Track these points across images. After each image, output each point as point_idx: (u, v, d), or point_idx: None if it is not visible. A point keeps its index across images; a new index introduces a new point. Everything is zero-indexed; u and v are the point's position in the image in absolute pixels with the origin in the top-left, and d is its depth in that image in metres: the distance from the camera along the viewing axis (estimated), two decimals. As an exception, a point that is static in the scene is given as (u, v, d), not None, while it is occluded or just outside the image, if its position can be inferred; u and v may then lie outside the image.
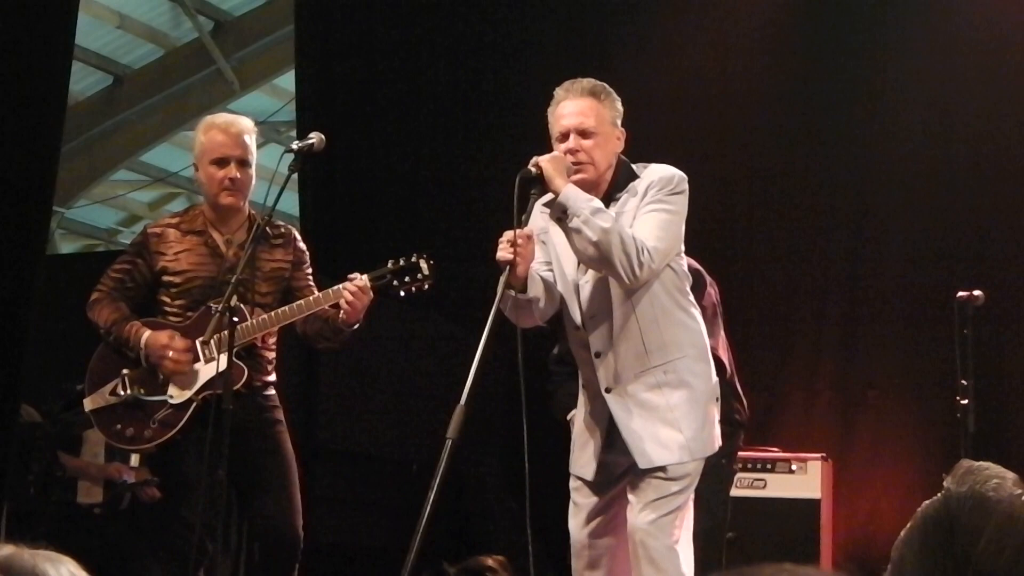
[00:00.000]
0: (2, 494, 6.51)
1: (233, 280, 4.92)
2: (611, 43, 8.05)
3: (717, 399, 4.60)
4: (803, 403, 7.50)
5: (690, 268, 5.99)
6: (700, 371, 4.56)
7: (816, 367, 7.59)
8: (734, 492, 5.88)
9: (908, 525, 2.34)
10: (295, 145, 5.16)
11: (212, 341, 5.07)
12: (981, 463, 2.40)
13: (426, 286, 5.07)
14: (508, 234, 4.37)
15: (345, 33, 8.87)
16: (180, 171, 13.68)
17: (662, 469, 4.41)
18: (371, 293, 5.01)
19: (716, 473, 5.84)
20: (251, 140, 5.28)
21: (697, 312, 4.65)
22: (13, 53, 6.20)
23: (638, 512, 4.40)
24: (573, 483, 4.63)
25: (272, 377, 5.26)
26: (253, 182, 5.30)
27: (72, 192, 12.80)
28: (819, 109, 7.72)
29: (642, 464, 4.40)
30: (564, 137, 4.54)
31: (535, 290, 4.48)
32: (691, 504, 4.50)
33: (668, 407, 4.46)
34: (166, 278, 5.21)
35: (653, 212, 4.48)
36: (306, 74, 9.13)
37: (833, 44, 7.76)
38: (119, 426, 5.21)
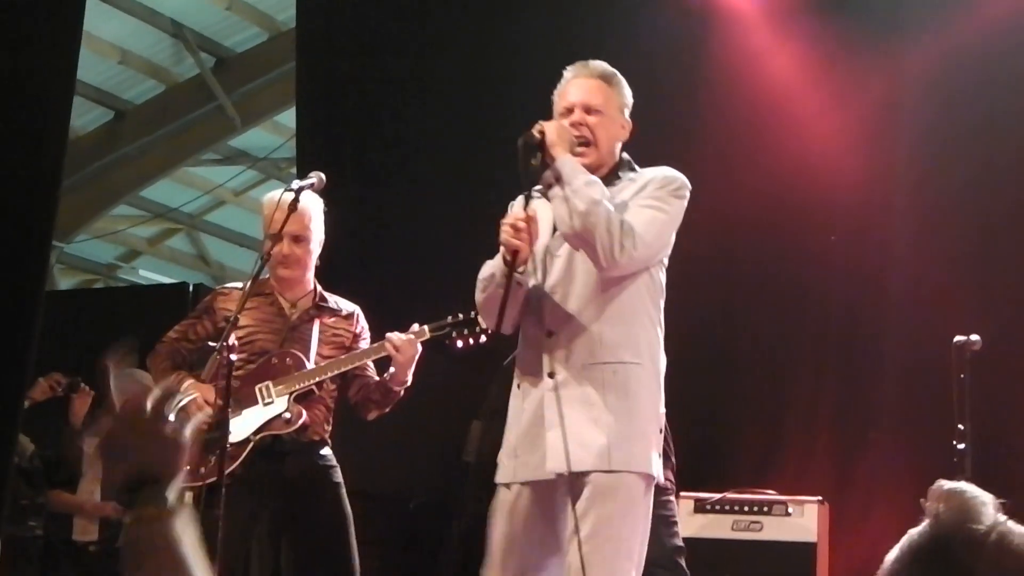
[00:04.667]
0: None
1: (231, 319, 5.02)
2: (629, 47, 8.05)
3: (661, 430, 4.27)
4: (800, 445, 7.48)
5: None
6: (650, 389, 4.25)
7: (814, 410, 7.57)
8: (730, 535, 5.88)
9: (895, 555, 2.34)
10: (295, 184, 5.24)
11: (270, 385, 5.23)
12: (959, 485, 2.40)
13: (482, 338, 5.19)
14: (511, 217, 4.23)
15: (346, 70, 8.89)
16: (180, 207, 13.73)
17: (586, 478, 4.09)
18: (419, 345, 5.24)
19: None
20: (310, 215, 5.40)
21: (662, 333, 4.35)
22: (16, 87, 6.22)
23: (571, 540, 4.07)
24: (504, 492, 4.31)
25: (326, 437, 5.40)
26: (313, 256, 5.46)
27: (72, 227, 12.82)
28: (825, 150, 7.71)
29: (552, 465, 4.09)
30: (568, 111, 4.40)
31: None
32: (640, 532, 4.18)
33: (604, 408, 4.13)
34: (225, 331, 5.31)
35: (649, 207, 4.33)
36: (307, 111, 9.15)
37: (848, 81, 7.76)
38: None
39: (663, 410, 4.29)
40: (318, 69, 9.02)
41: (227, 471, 5.12)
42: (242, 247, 14.16)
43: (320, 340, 5.38)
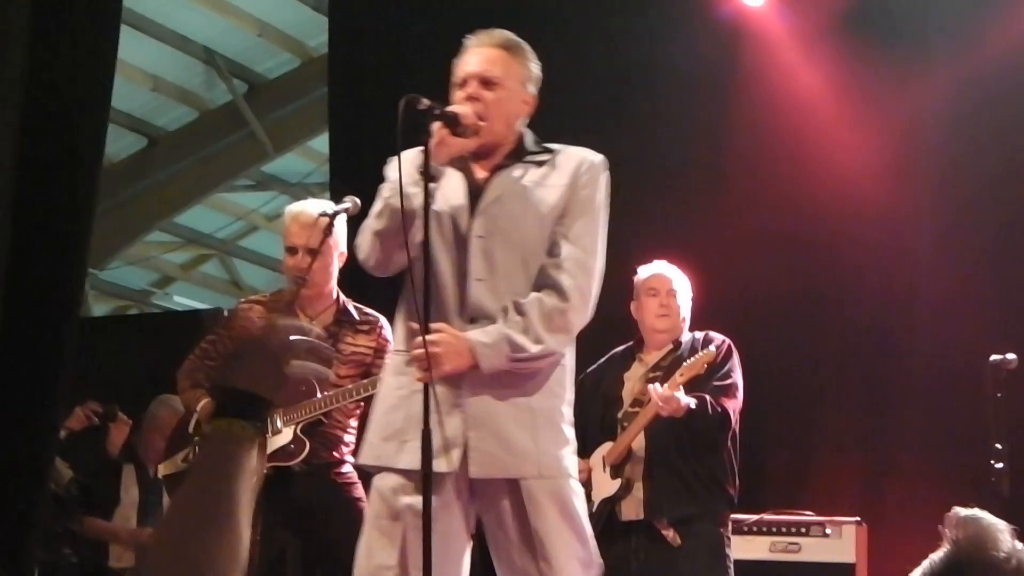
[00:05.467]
0: (32, 550, 6.53)
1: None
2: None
3: (571, 424, 4.04)
4: (833, 465, 7.45)
5: (707, 339, 6.02)
6: (562, 386, 4.01)
7: (846, 430, 7.55)
8: (768, 556, 5.86)
9: None
10: (330, 209, 5.21)
11: (278, 415, 5.17)
12: (974, 512, 2.41)
13: None
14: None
15: (378, 95, 8.90)
16: (213, 232, 13.78)
17: (511, 486, 3.85)
18: None
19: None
20: (333, 226, 5.24)
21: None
22: (51, 115, 6.26)
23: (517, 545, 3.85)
24: (391, 480, 3.94)
25: (345, 456, 5.31)
26: (332, 267, 5.39)
27: (105, 253, 12.88)
28: (853, 169, 7.69)
29: (475, 471, 3.83)
30: (463, 83, 4.01)
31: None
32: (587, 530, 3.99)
33: (527, 410, 3.89)
34: None
35: (593, 225, 4.00)
36: (339, 136, 9.18)
37: (877, 99, 7.74)
38: None
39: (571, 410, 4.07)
40: (350, 94, 9.04)
41: None
42: (275, 272, 14.18)
43: (339, 360, 5.26)
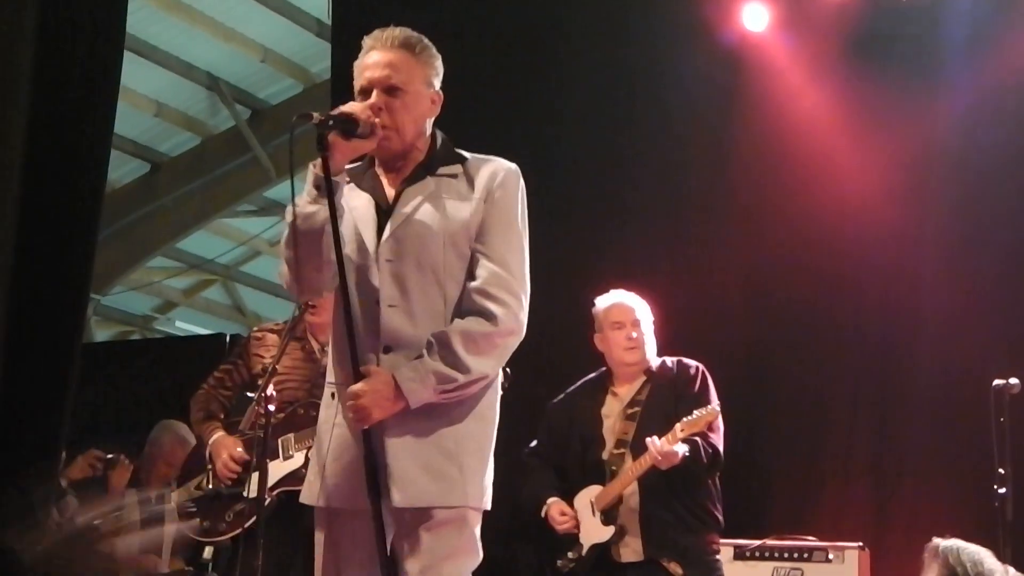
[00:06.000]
0: None
1: (269, 370, 5.03)
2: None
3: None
4: (837, 491, 7.44)
5: (680, 365, 6.03)
6: (493, 410, 3.82)
7: (850, 455, 7.54)
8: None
9: None
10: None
11: (291, 438, 5.20)
12: (955, 541, 2.42)
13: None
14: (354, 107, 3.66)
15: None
16: (216, 258, 13.79)
17: (428, 515, 3.65)
18: None
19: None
20: None
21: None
22: (55, 141, 6.28)
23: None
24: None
25: None
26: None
27: (108, 279, 12.89)
28: (858, 192, 7.70)
29: (399, 500, 3.62)
30: (366, 92, 3.74)
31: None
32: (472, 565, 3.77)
33: (453, 436, 3.69)
34: (262, 380, 5.31)
35: (513, 239, 3.79)
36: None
37: (881, 122, 7.75)
38: (197, 518, 5.36)
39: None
40: (352, 120, 9.05)
41: (243, 527, 5.11)
42: (278, 297, 14.20)
43: None
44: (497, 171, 3.83)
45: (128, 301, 14.27)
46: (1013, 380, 5.81)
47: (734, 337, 7.31)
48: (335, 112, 3.61)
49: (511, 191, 3.83)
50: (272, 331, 5.56)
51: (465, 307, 3.73)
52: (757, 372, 6.58)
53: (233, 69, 11.65)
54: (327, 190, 3.55)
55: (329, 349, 3.90)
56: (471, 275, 3.75)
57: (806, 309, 7.72)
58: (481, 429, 3.77)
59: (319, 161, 3.59)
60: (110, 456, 7.70)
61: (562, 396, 6.21)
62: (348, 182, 3.75)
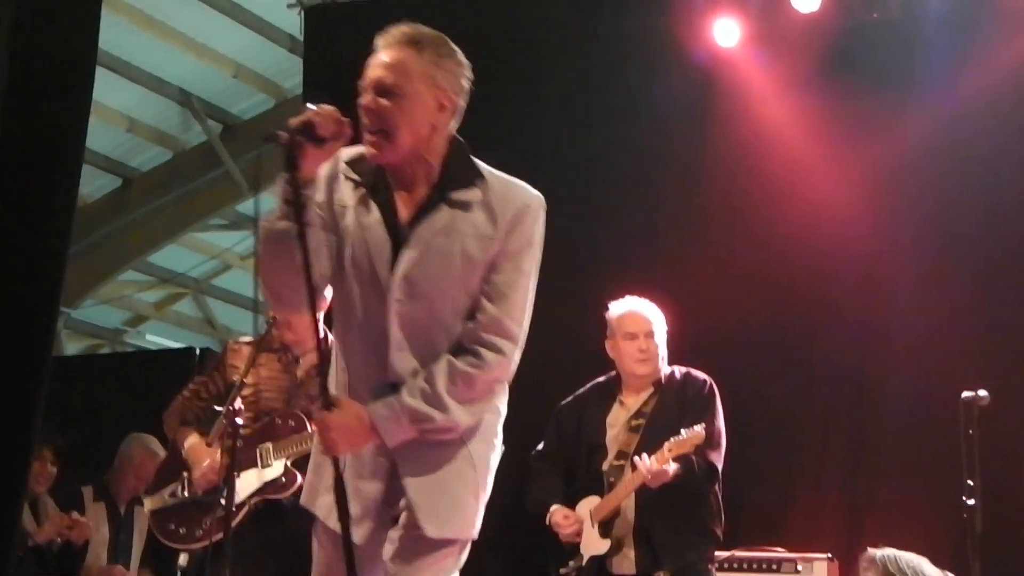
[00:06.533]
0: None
1: (237, 384, 5.05)
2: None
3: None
4: (809, 503, 7.47)
5: (688, 377, 6.04)
6: (499, 432, 3.73)
7: (822, 467, 7.58)
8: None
9: None
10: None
11: (270, 447, 5.22)
12: (889, 550, 2.46)
13: None
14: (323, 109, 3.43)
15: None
16: (187, 271, 13.77)
17: (428, 541, 3.56)
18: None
19: None
20: None
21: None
22: (26, 155, 6.26)
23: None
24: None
25: None
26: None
27: (78, 292, 12.85)
28: (830, 209, 7.73)
29: (433, 532, 3.56)
30: (361, 94, 3.54)
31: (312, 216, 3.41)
32: None
33: (471, 459, 3.62)
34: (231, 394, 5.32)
35: (520, 279, 3.60)
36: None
37: (853, 139, 7.78)
38: (172, 525, 5.41)
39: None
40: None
41: (216, 538, 5.12)
42: (248, 311, 14.18)
43: None
44: (521, 207, 3.57)
45: (99, 314, 14.22)
46: (982, 392, 5.85)
47: (705, 349, 7.33)
48: (296, 122, 3.40)
49: (529, 228, 3.59)
50: (249, 344, 5.58)
51: (457, 343, 3.58)
52: (728, 383, 6.58)
53: (205, 84, 11.64)
54: (296, 206, 3.37)
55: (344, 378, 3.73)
56: (470, 315, 3.59)
57: (778, 322, 7.75)
58: (485, 452, 3.66)
59: (289, 175, 3.40)
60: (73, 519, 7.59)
61: (571, 399, 6.20)
62: (358, 185, 3.58)
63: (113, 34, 9.93)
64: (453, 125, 3.62)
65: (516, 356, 3.62)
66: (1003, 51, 7.51)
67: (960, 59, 7.57)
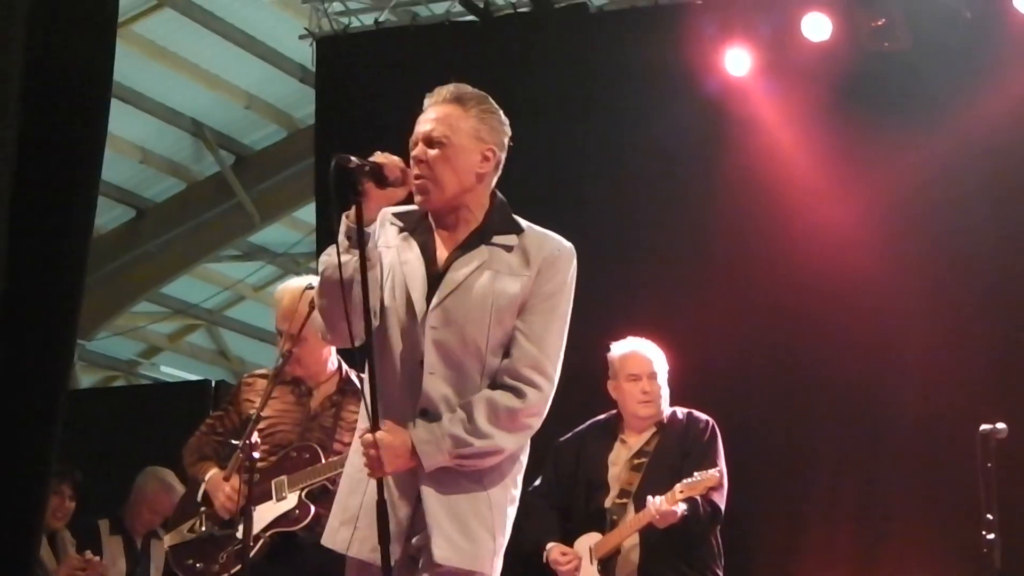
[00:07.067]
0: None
1: (254, 417, 5.05)
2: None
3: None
4: (823, 537, 7.43)
5: (691, 418, 6.03)
6: (514, 492, 3.86)
7: (836, 502, 7.53)
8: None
9: None
10: (315, 283, 5.23)
11: (284, 480, 5.21)
12: None
13: None
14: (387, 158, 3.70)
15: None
16: (200, 303, 13.79)
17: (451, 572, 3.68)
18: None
19: None
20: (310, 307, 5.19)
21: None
22: (42, 188, 6.28)
23: None
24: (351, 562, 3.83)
25: None
26: (318, 347, 5.40)
27: (93, 324, 12.86)
28: (842, 238, 7.72)
29: (439, 556, 3.67)
30: (414, 147, 3.79)
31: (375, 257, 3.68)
32: None
33: (488, 501, 3.76)
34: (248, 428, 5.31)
35: (555, 322, 3.79)
36: (326, 207, 9.21)
37: (864, 166, 7.78)
38: (191, 560, 5.40)
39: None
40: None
41: (232, 572, 5.11)
42: (262, 342, 14.18)
43: (342, 428, 5.33)
44: (552, 252, 3.80)
45: (113, 346, 14.24)
46: (1000, 425, 5.82)
47: (716, 381, 7.31)
48: (364, 161, 3.65)
49: (562, 273, 3.81)
50: (263, 377, 5.58)
51: (498, 381, 3.75)
52: (741, 415, 6.58)
53: (217, 115, 11.67)
54: (358, 240, 3.59)
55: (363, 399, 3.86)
56: (507, 351, 3.77)
57: (790, 352, 7.73)
58: (503, 499, 3.80)
59: (352, 211, 3.63)
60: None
61: (570, 435, 6.19)
62: (402, 230, 3.83)
63: (126, 65, 9.96)
64: (495, 178, 3.87)
65: (552, 392, 3.78)
66: (1012, 82, 7.51)
67: (969, 89, 7.57)
